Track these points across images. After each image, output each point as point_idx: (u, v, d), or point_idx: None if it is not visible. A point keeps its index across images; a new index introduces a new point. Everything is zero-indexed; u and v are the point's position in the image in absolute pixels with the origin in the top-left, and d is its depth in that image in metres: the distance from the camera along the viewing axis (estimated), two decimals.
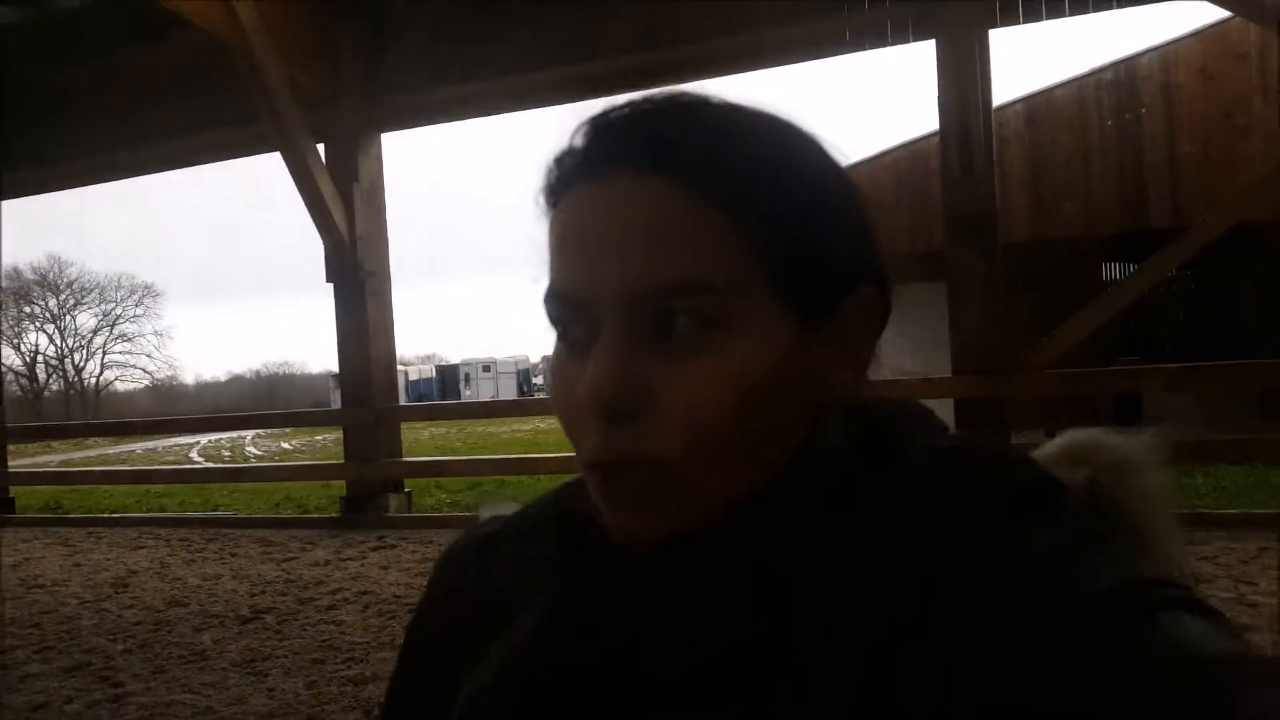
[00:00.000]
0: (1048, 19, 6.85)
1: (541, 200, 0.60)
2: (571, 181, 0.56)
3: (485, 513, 0.75)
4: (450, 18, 8.54)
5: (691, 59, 7.78)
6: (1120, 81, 11.48)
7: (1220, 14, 8.63)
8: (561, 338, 0.58)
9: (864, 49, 7.37)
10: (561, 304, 0.56)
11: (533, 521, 0.69)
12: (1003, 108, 11.25)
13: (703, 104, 0.57)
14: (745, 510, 0.55)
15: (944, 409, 9.27)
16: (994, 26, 6.82)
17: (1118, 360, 13.57)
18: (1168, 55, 11.20)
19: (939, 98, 6.82)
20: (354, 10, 8.81)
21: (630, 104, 0.57)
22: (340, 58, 8.78)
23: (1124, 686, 0.43)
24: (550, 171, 0.59)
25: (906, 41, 7.13)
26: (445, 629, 0.68)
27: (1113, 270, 16.15)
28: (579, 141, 0.57)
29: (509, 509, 0.74)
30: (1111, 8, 6.79)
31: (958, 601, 0.49)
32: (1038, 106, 11.81)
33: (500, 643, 0.62)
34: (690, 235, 0.53)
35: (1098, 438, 0.63)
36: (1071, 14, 6.81)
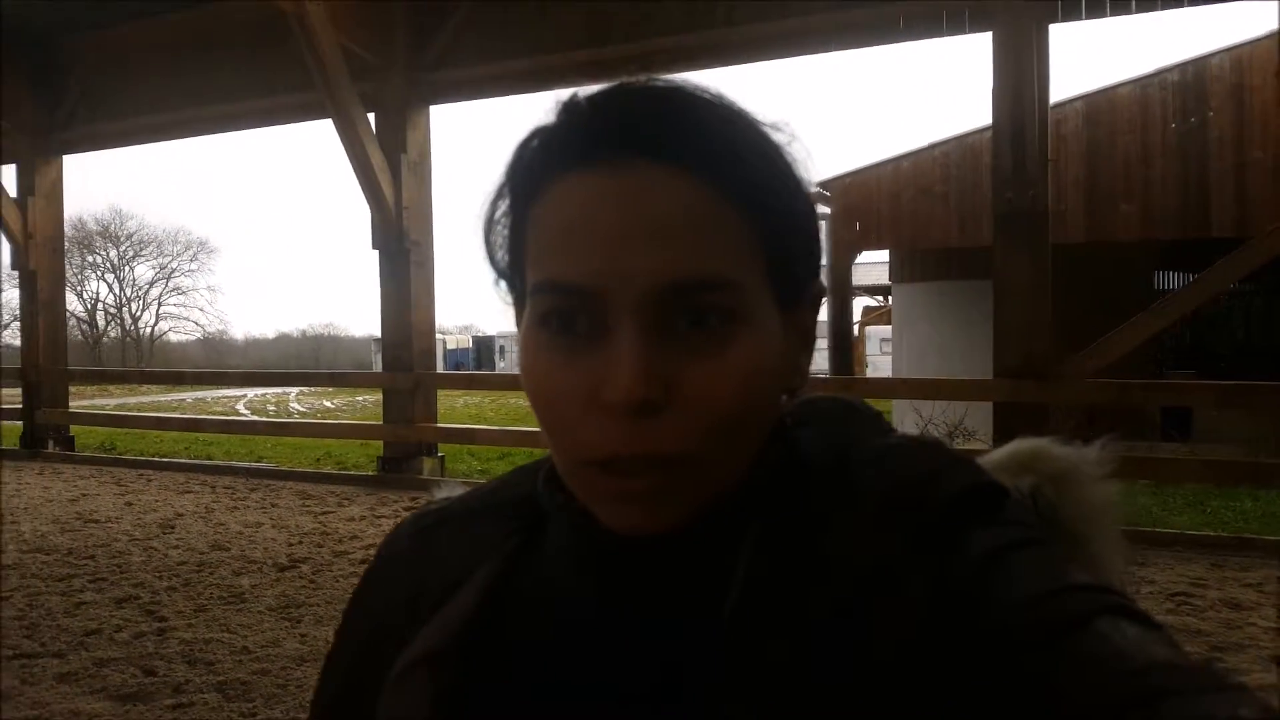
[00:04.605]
0: (1112, 15, 6.66)
1: (515, 181, 0.57)
2: (570, 165, 0.53)
3: (439, 493, 0.75)
4: None
5: (741, 40, 7.77)
6: (1187, 83, 10.99)
7: None
8: (557, 330, 0.54)
9: (918, 38, 7.28)
10: (566, 296, 0.53)
11: (480, 503, 0.69)
12: (1061, 105, 10.87)
13: (705, 96, 0.55)
14: (730, 500, 0.56)
15: (983, 411, 9.08)
16: (1054, 21, 6.67)
17: (1169, 373, 13.18)
18: (1240, 57, 10.68)
19: (993, 91, 6.69)
20: None
21: (631, 91, 0.55)
22: (392, 29, 8.86)
23: (1056, 688, 0.44)
24: (530, 152, 0.56)
25: (962, 33, 7.02)
26: (384, 604, 0.68)
27: (1169, 279, 15.74)
28: (578, 123, 0.55)
29: (459, 491, 0.74)
30: (1181, 6, 6.64)
31: (893, 597, 0.50)
32: (1098, 105, 11.39)
33: (439, 617, 0.62)
34: (714, 230, 0.52)
35: (1045, 447, 0.65)
36: (1138, 11, 6.63)
